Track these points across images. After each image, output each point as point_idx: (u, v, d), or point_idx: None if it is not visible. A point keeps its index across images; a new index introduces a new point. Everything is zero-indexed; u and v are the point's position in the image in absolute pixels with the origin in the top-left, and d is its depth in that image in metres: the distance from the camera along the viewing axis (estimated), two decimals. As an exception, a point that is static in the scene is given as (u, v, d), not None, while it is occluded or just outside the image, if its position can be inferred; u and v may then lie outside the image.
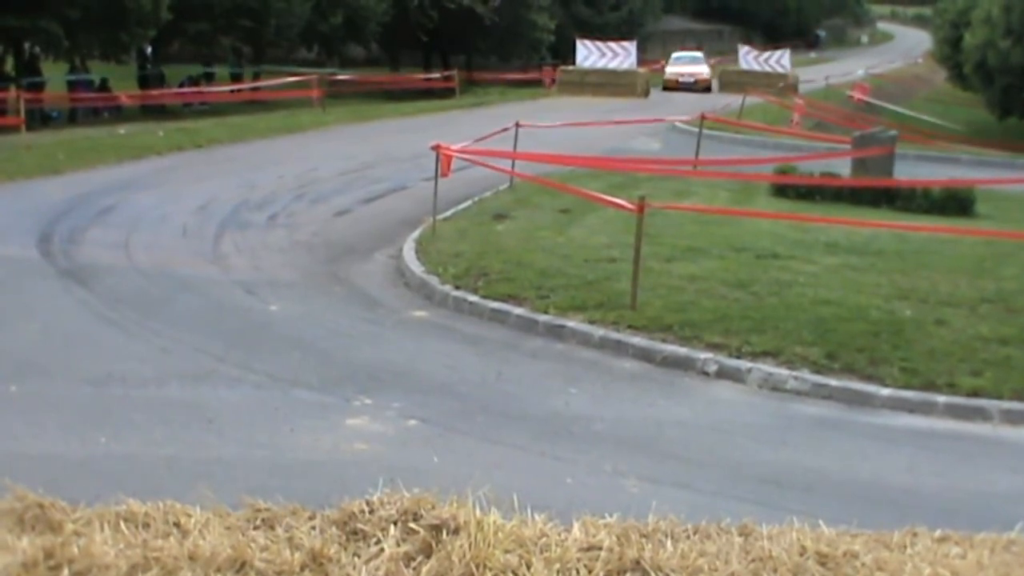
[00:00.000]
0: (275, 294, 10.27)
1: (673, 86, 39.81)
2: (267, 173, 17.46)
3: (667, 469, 6.49)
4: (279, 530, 4.30)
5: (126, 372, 7.71)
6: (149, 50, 33.15)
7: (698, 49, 51.17)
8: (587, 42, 38.83)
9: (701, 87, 39.57)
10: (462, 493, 4.41)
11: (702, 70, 41.02)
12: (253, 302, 10.02)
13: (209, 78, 34.23)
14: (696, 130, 20.55)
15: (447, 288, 10.31)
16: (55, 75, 29.23)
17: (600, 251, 11.55)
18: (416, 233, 12.61)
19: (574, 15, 48.97)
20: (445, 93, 36.54)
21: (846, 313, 9.36)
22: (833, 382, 8.08)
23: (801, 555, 4.29)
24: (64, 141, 21.15)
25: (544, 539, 4.25)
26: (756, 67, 40.21)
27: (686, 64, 41.60)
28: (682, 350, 8.64)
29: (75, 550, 4.01)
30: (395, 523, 4.25)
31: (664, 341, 8.81)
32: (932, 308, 9.66)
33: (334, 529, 4.29)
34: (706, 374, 8.38)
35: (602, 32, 44.02)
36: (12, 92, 24.52)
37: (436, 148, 12.96)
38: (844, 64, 53.99)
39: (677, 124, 25.08)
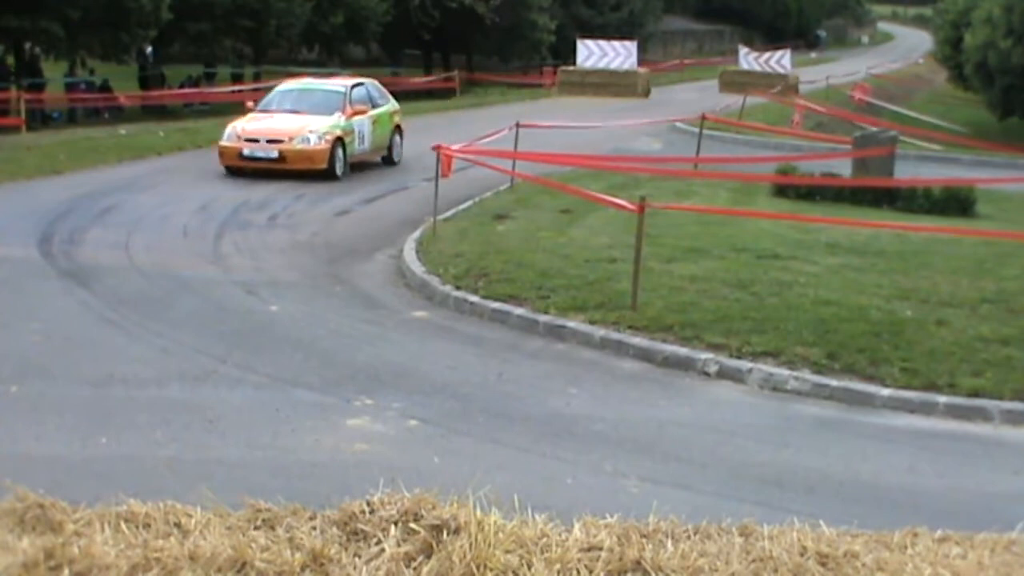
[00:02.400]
0: (276, 295, 10.27)
1: (235, 165, 16.90)
2: (268, 173, 17.42)
3: (668, 469, 6.49)
4: (280, 530, 4.30)
5: (127, 373, 7.71)
6: (150, 50, 33.19)
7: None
8: (588, 42, 38.83)
9: (299, 169, 16.70)
10: (463, 493, 4.41)
11: (310, 128, 16.95)
12: (254, 303, 10.02)
13: (210, 78, 34.24)
14: (697, 130, 20.57)
15: (448, 288, 10.32)
16: (56, 75, 29.26)
17: (601, 251, 11.55)
18: (417, 233, 12.61)
19: (574, 15, 48.96)
20: (446, 93, 36.55)
21: (847, 313, 9.35)
22: (834, 382, 8.08)
23: (802, 555, 4.29)
24: (64, 141, 21.15)
25: (545, 539, 4.25)
26: (756, 67, 40.16)
27: (282, 117, 17.58)
28: (683, 350, 8.64)
29: (76, 550, 4.02)
30: (396, 523, 4.26)
31: (665, 341, 8.81)
32: (933, 308, 9.65)
33: (335, 529, 4.29)
34: (707, 374, 8.38)
35: (603, 32, 43.98)
36: (13, 92, 24.54)
37: (436, 148, 12.97)
38: (845, 64, 53.96)
39: (678, 124, 25.09)
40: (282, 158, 16.66)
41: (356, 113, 17.74)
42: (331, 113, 17.47)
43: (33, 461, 5.93)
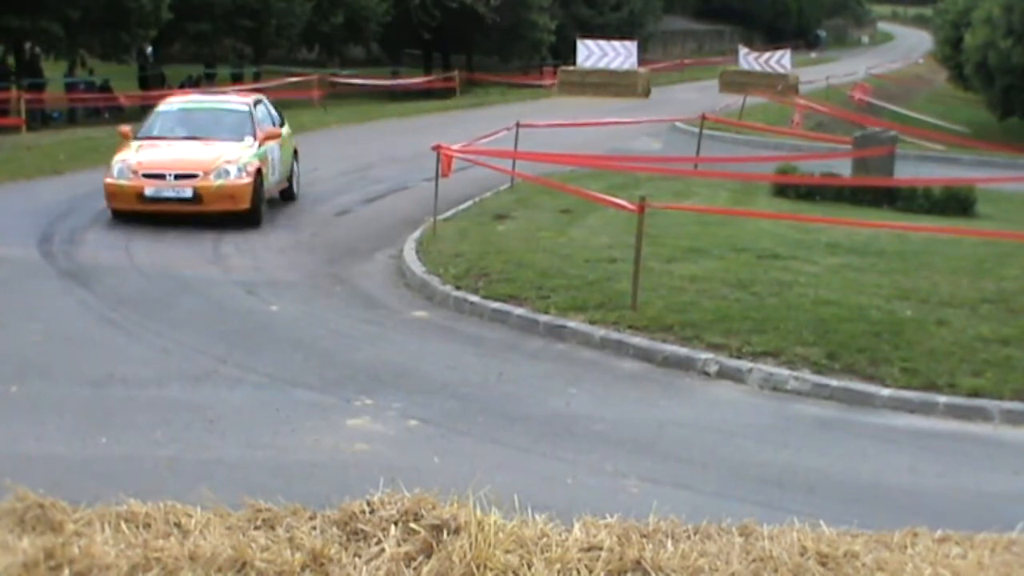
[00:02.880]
0: (276, 295, 10.27)
1: (131, 209, 13.07)
2: (268, 173, 17.39)
3: (668, 469, 6.49)
4: (280, 530, 4.30)
5: (127, 373, 7.71)
6: (150, 50, 33.22)
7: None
8: (588, 42, 38.90)
9: (217, 211, 13.12)
10: (463, 493, 4.41)
11: (227, 158, 13.21)
12: (254, 303, 10.02)
13: (210, 78, 34.24)
14: (697, 130, 20.57)
15: (448, 288, 10.31)
16: (56, 75, 29.27)
17: (601, 251, 11.55)
18: (417, 233, 12.61)
19: (575, 15, 49.00)
20: (446, 93, 36.57)
21: (847, 313, 9.35)
22: (834, 382, 8.08)
23: (802, 555, 4.30)
24: (65, 141, 21.17)
25: (545, 539, 4.26)
26: (756, 67, 40.20)
27: (182, 146, 13.83)
28: (683, 350, 8.64)
29: (76, 550, 4.02)
30: (396, 523, 4.26)
31: (665, 341, 8.81)
32: (933, 308, 9.65)
33: (335, 529, 4.30)
34: (707, 374, 8.38)
35: (603, 32, 44.04)
36: (13, 92, 24.56)
37: (436, 148, 12.96)
38: (845, 64, 53.98)
39: (678, 124, 25.09)
40: (198, 198, 12.90)
41: (268, 138, 14.14)
42: (241, 138, 13.82)
43: (33, 461, 5.93)
